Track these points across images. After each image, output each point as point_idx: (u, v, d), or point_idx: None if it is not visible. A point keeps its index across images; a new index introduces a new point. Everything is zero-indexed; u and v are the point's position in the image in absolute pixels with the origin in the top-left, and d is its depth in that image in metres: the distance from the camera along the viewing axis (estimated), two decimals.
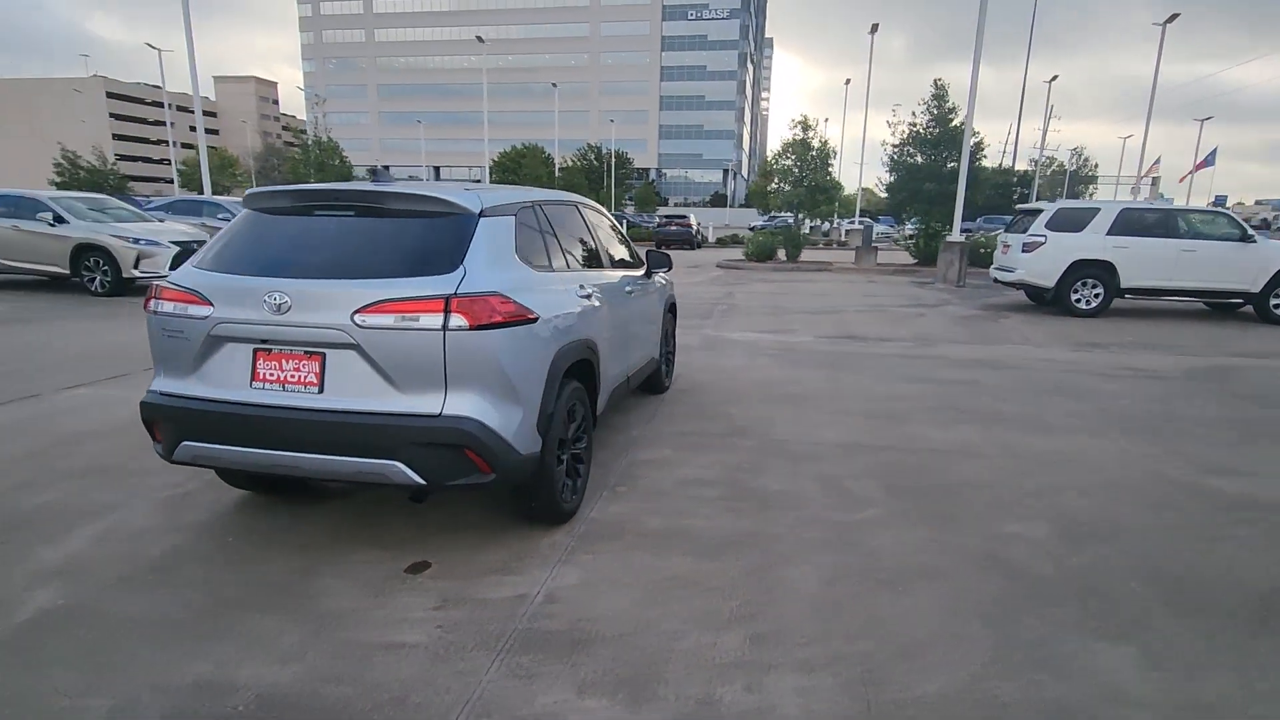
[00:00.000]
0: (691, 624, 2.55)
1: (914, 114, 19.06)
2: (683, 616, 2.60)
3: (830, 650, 2.41)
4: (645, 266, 5.09)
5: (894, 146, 19.51)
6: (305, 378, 2.68)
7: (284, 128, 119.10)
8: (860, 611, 2.66)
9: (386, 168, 3.57)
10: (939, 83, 18.69)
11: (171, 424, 2.83)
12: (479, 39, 46.76)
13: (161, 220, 12.87)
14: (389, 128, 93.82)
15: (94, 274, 10.88)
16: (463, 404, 2.67)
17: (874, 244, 21.18)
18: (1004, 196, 38.08)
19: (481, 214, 2.96)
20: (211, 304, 2.74)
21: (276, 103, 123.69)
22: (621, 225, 5.40)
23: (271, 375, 2.71)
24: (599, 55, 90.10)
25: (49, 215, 11.02)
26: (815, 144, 22.08)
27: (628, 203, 67.15)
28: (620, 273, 4.46)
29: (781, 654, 2.38)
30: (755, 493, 3.79)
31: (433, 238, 2.82)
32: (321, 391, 2.67)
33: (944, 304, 12.61)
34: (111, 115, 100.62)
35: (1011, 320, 10.69)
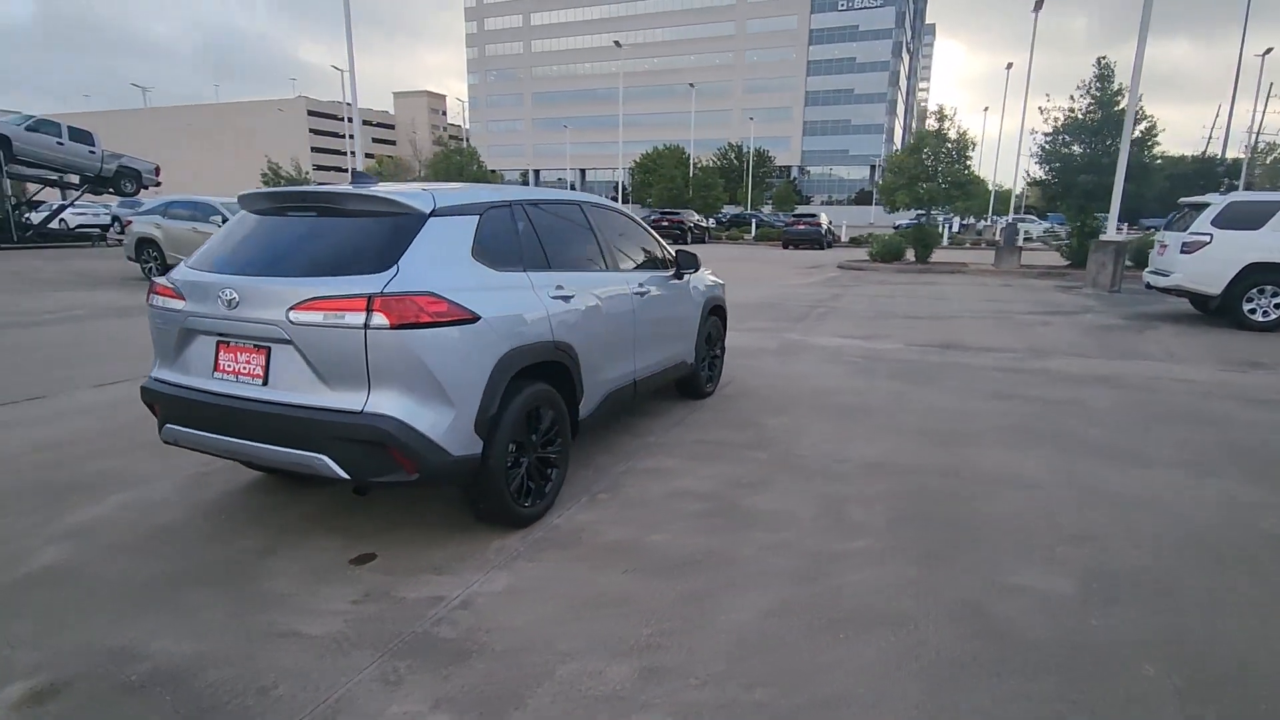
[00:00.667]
0: (590, 647, 2.40)
1: (1071, 98, 17.01)
2: (586, 638, 2.45)
3: (721, 695, 2.16)
4: (675, 267, 4.92)
5: (1046, 136, 17.53)
6: (254, 370, 2.83)
7: (451, 136, 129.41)
8: (783, 655, 2.37)
9: (364, 171, 3.69)
10: (1103, 61, 16.53)
11: (159, 407, 3.11)
12: (616, 44, 47.83)
13: None
14: (541, 133, 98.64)
15: None
16: (385, 402, 2.69)
17: (1019, 244, 19.17)
18: (1207, 189, 33.00)
19: (432, 214, 2.97)
20: (184, 299, 2.97)
21: (445, 113, 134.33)
22: (751, 225, 5.19)
23: (229, 367, 2.89)
24: (743, 53, 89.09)
25: (219, 218, 12.67)
26: (952, 135, 20.34)
27: (765, 201, 65.91)
28: (632, 273, 4.32)
29: (664, 693, 2.17)
30: (742, 511, 3.52)
31: (377, 238, 2.87)
32: (265, 384, 2.81)
33: (1083, 311, 11.15)
34: (310, 130, 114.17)
35: (1160, 332, 9.23)
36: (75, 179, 22.92)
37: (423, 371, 2.71)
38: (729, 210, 54.78)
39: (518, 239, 3.40)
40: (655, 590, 2.77)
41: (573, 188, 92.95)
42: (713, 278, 5.82)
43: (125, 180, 23.91)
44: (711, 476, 3.97)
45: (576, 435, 3.71)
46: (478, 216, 3.18)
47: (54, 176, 22.45)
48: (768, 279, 16.35)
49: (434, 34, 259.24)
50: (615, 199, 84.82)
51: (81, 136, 22.69)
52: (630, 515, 3.45)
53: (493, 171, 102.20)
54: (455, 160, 43.08)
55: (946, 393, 5.90)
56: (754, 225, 38.82)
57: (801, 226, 29.25)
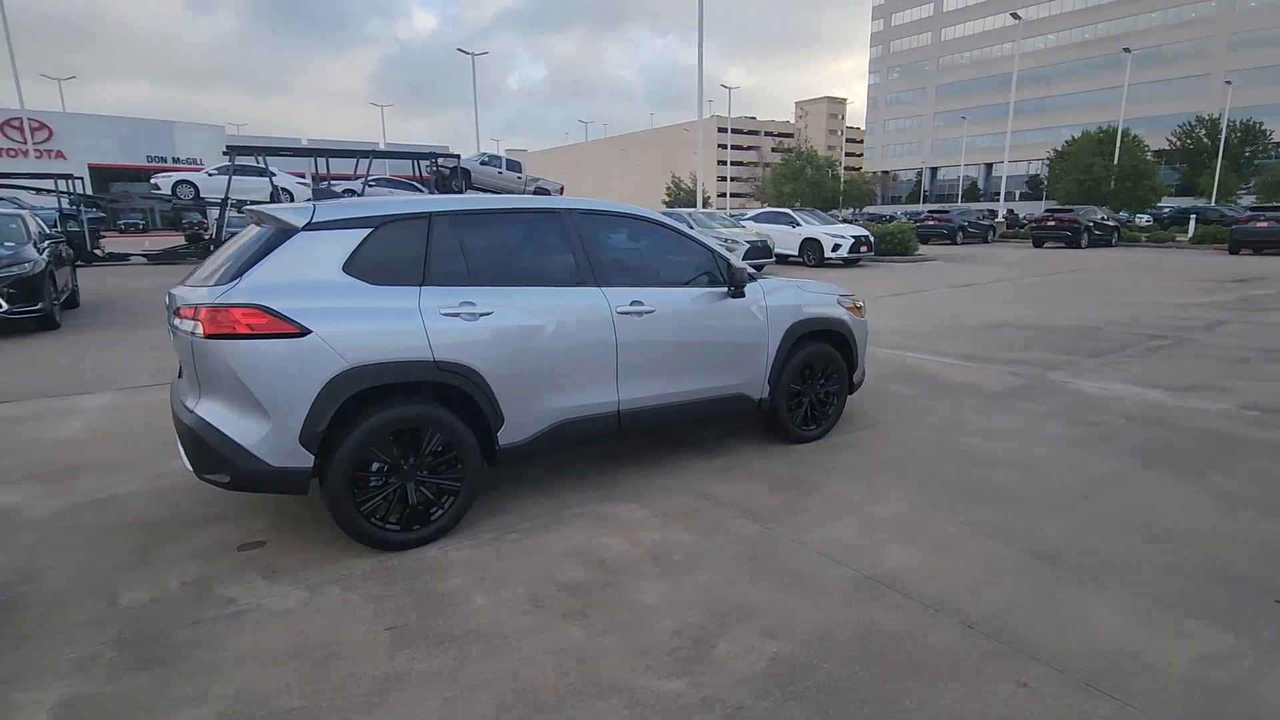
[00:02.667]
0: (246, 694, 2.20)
1: None
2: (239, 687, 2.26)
3: None
4: (730, 284, 4.10)
5: None
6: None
7: (848, 140, 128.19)
8: None
9: (329, 184, 3.90)
10: None
11: None
12: (1014, 15, 41.39)
13: (742, 226, 18.16)
14: (941, 129, 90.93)
15: (810, 255, 16.41)
16: (204, 406, 2.87)
17: None
18: None
19: (305, 228, 3.04)
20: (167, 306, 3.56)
21: (843, 117, 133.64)
22: (1189, 223, 4.31)
23: None
24: (1233, 2, 67.92)
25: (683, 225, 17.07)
26: None
27: (1241, 191, 49.77)
28: (624, 290, 3.71)
29: None
30: (604, 605, 2.79)
31: (251, 250, 3.05)
32: (180, 378, 3.24)
33: None
34: (719, 145, 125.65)
35: None
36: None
37: (234, 380, 2.81)
38: (1174, 204, 42.82)
39: (424, 253, 3.24)
40: (402, 660, 2.40)
41: (976, 185, 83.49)
42: (822, 294, 4.68)
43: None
44: (639, 545, 3.23)
45: (497, 463, 3.41)
46: (368, 230, 3.14)
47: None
48: (1145, 294, 12.30)
49: (841, 41, 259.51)
50: (1026, 195, 73.43)
51: (514, 166, 29.06)
52: (501, 570, 3.03)
53: (884, 173, 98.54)
54: (794, 165, 43.08)
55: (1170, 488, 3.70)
56: (1192, 223, 29.43)
57: (1263, 224, 21.20)
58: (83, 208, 21.72)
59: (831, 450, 4.48)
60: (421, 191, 26.08)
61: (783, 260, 19.32)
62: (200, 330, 2.81)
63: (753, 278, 4.35)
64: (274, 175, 23.91)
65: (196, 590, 2.86)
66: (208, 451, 2.86)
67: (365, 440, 3.00)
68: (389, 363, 3.01)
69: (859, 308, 4.93)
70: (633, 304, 3.73)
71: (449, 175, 26.76)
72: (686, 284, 4.06)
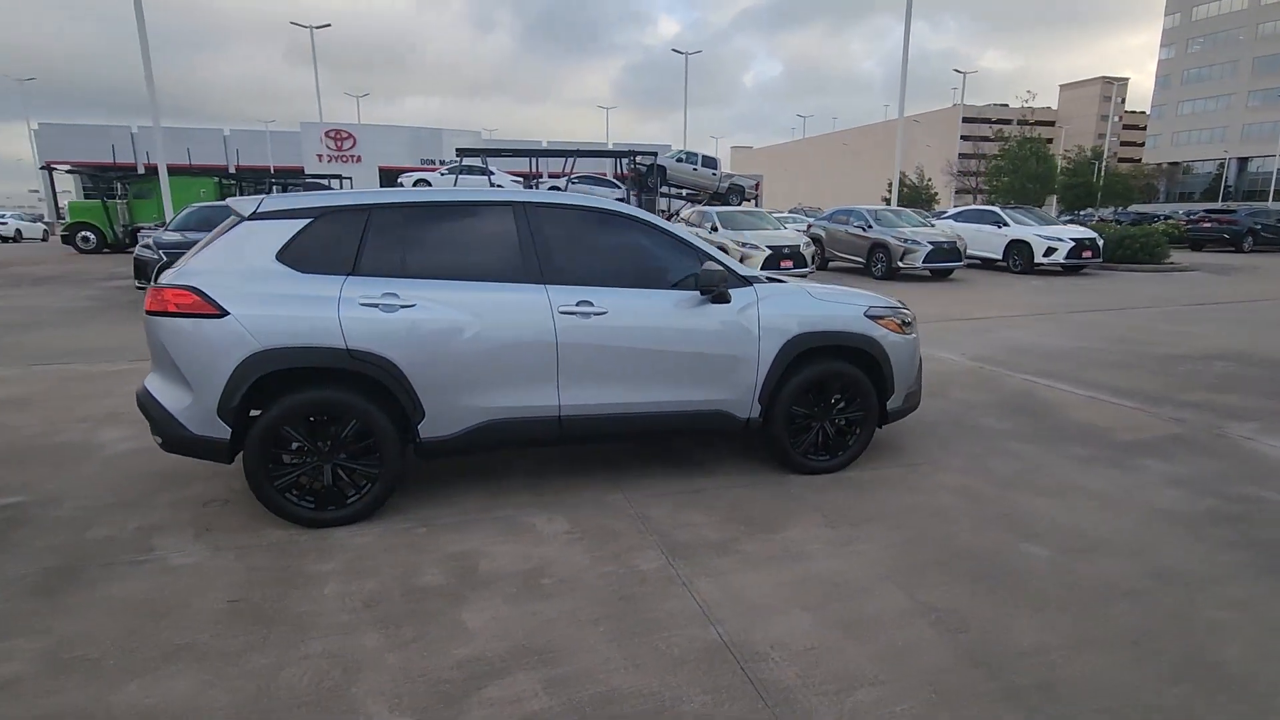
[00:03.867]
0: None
1: None
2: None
3: None
4: (699, 288, 3.66)
5: None
6: None
7: (1124, 126, 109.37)
8: None
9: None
10: None
11: None
12: None
13: (931, 225, 16.56)
14: (1257, 110, 73.83)
15: (879, 264, 15.16)
16: (150, 375, 3.22)
17: None
18: None
19: (250, 217, 3.28)
20: None
21: (1124, 100, 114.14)
22: None
23: None
24: None
25: (863, 222, 15.93)
26: None
27: None
28: (573, 289, 3.48)
29: None
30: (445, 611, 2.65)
31: (210, 237, 3.35)
32: None
33: None
34: (961, 137, 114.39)
35: None
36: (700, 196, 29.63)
37: (164, 353, 3.12)
38: None
39: (358, 244, 3.32)
40: (209, 633, 2.52)
41: None
42: (842, 304, 4.00)
43: (734, 195, 29.62)
44: (525, 561, 3.02)
45: (422, 454, 3.40)
46: (307, 221, 3.30)
47: (682, 194, 29.39)
48: None
49: (1118, 17, 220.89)
50: None
51: (710, 163, 29.19)
52: (376, 562, 3.03)
53: (1171, 164, 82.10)
54: (1017, 153, 37.99)
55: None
56: None
57: None
58: None
59: (837, 486, 3.83)
60: (618, 188, 27.32)
61: (986, 265, 17.09)
62: (145, 307, 3.16)
63: (754, 280, 3.86)
64: (492, 174, 26.56)
65: (139, 536, 3.24)
66: (148, 414, 3.22)
67: (280, 419, 3.17)
68: (299, 348, 3.14)
69: (904, 323, 4.14)
70: (579, 304, 3.49)
71: (645, 172, 27.65)
72: (662, 286, 3.70)
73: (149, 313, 3.16)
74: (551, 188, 27.80)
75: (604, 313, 3.51)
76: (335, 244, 3.31)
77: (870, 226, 15.65)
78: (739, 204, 29.81)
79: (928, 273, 15.13)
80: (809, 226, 18.87)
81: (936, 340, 7.79)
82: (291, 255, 3.25)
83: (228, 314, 3.09)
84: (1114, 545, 3.16)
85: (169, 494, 3.68)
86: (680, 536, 3.25)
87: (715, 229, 14.43)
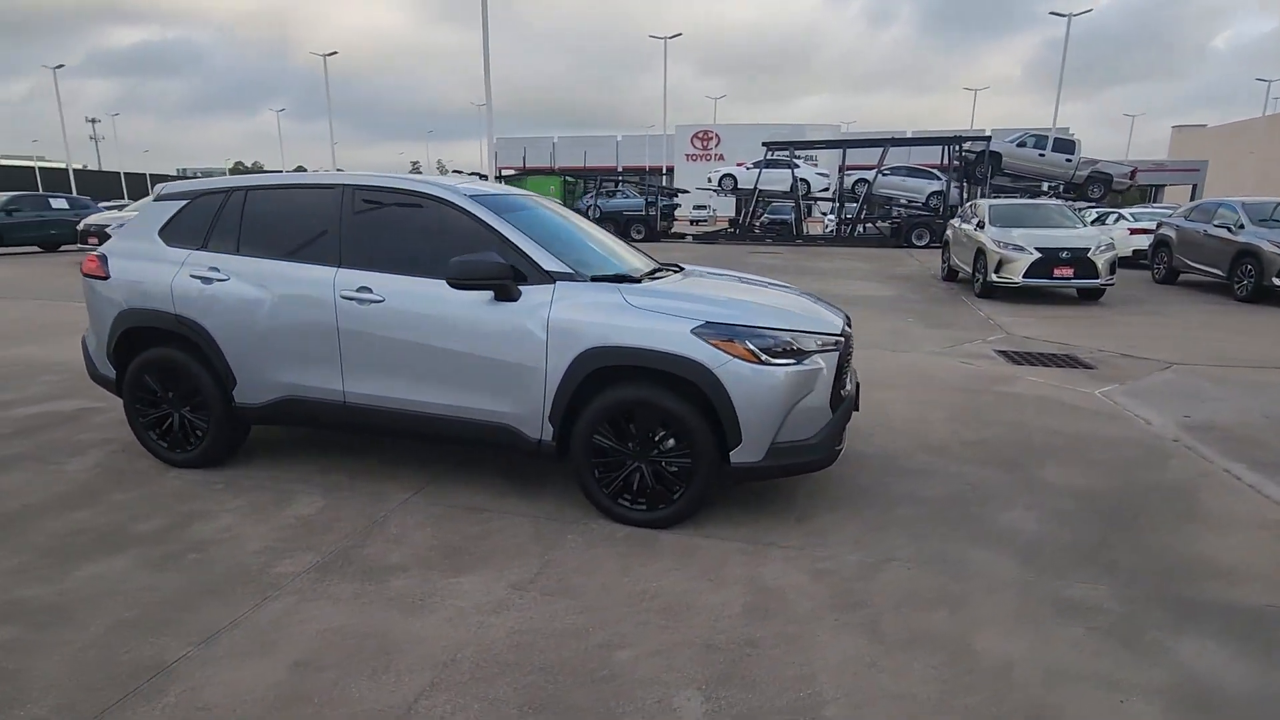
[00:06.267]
0: None
1: None
2: None
3: None
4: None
5: None
6: None
7: None
8: None
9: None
10: None
11: None
12: None
13: None
14: None
15: (1246, 279, 10.64)
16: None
17: None
18: None
19: (155, 199, 3.92)
20: None
21: None
22: None
23: None
24: None
25: (1228, 222, 11.35)
26: None
27: None
28: (354, 273, 3.37)
29: None
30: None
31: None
32: None
33: None
34: None
35: None
36: (1045, 186, 24.52)
37: (88, 308, 3.94)
38: None
39: (214, 222, 3.69)
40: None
41: None
42: (666, 314, 3.01)
43: (1094, 185, 23.79)
44: (226, 533, 3.05)
45: (238, 419, 3.69)
46: (185, 201, 3.80)
47: (1021, 185, 24.51)
48: None
49: None
50: None
51: (1063, 147, 23.96)
52: (124, 499, 3.41)
53: None
54: None
55: None
56: None
57: None
58: (658, 197, 27.94)
59: (641, 546, 2.99)
60: (937, 179, 24.21)
61: (1200, 285, 10.94)
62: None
63: (558, 277, 3.20)
64: (797, 167, 25.95)
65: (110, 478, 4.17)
66: (85, 353, 4.11)
67: (140, 368, 3.76)
68: (144, 309, 3.68)
69: (773, 350, 2.98)
70: (359, 290, 3.35)
71: (974, 160, 23.98)
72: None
73: (83, 275, 4.03)
74: (858, 180, 25.99)
75: (381, 300, 3.32)
76: (198, 222, 3.75)
77: (1241, 226, 10.97)
78: (1100, 195, 23.90)
79: None
80: (1158, 226, 14.17)
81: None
82: (168, 232, 3.79)
83: (109, 278, 3.78)
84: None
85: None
86: (371, 551, 2.94)
87: (982, 225, 11.80)
